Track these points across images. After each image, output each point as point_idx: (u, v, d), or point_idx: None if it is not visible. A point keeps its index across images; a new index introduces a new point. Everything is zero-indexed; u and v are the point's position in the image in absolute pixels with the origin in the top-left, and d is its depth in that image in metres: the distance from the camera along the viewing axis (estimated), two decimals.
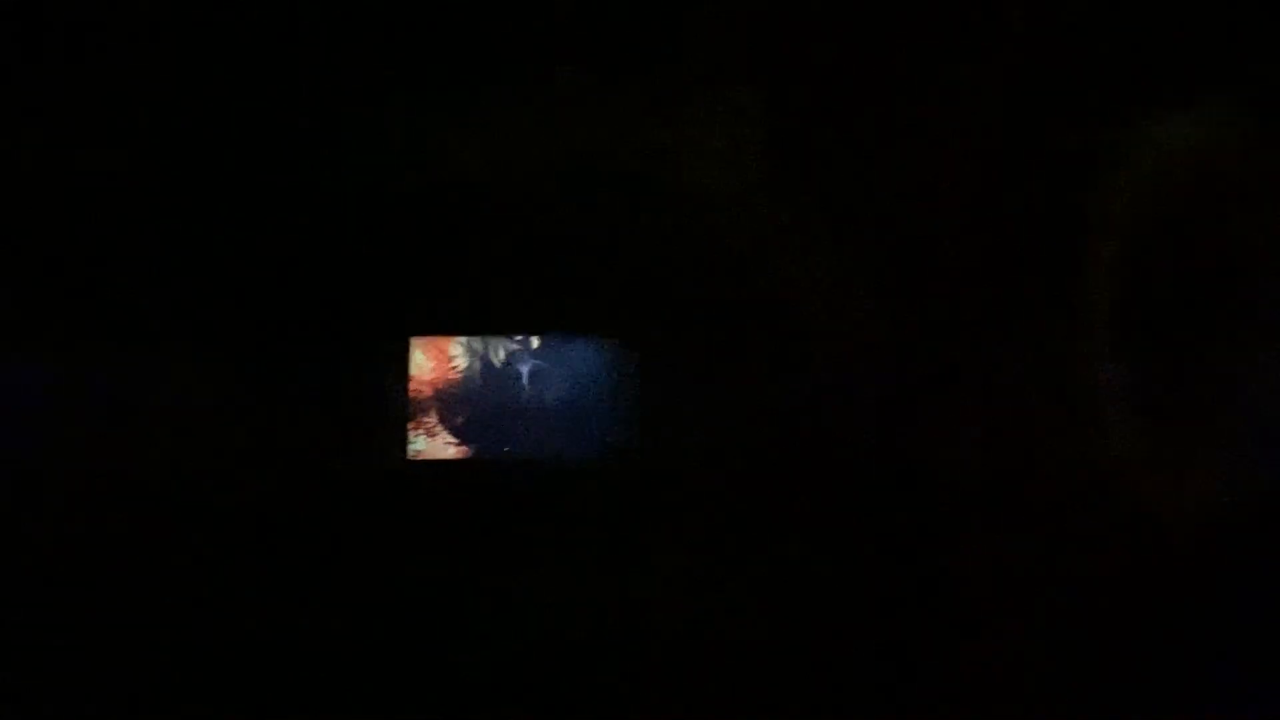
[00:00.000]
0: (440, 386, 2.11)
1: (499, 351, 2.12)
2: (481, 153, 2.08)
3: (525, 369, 2.11)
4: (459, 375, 2.11)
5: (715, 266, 2.07)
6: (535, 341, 2.11)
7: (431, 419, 2.10)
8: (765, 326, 2.06)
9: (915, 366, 2.00)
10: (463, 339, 2.12)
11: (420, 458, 2.09)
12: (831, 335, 2.01)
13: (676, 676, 2.00)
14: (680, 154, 2.07)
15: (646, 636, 2.01)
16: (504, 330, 2.12)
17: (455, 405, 2.11)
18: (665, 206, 2.06)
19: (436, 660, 2.00)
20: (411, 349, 2.10)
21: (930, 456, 2.01)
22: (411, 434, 2.09)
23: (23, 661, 1.95)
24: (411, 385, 2.10)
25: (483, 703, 1.99)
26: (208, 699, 1.96)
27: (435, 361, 2.11)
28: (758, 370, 2.07)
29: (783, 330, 2.06)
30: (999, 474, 1.94)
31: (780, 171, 2.06)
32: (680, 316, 2.10)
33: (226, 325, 2.07)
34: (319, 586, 2.02)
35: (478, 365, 2.11)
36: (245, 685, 1.97)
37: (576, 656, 2.01)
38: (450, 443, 2.10)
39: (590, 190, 2.09)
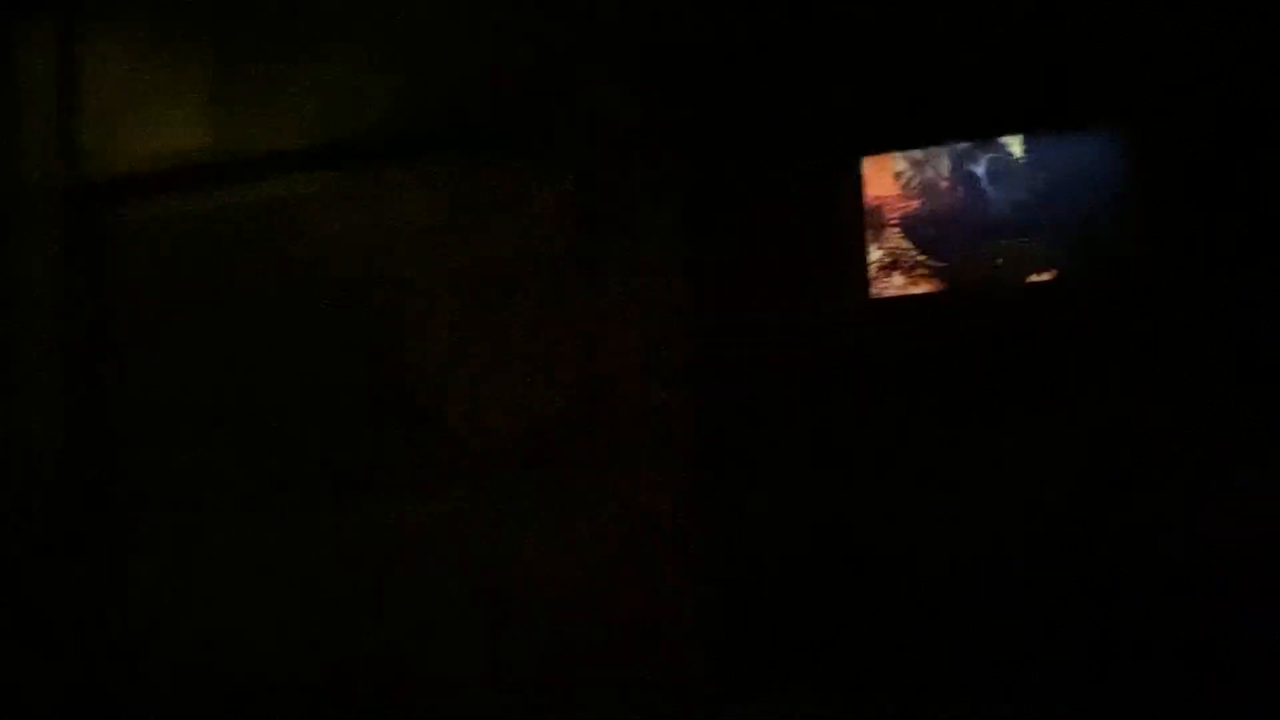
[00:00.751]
0: (900, 208, 1.87)
1: (958, 161, 1.85)
2: None
3: (990, 174, 1.83)
4: (918, 192, 1.87)
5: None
6: (1010, 143, 1.83)
7: (893, 244, 1.87)
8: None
9: None
10: (916, 152, 1.87)
11: (885, 294, 1.87)
12: None
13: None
14: None
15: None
16: (964, 136, 1.84)
17: (919, 227, 1.87)
18: None
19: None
20: (863, 170, 1.88)
21: None
22: (873, 265, 1.88)
23: None
24: (867, 210, 1.88)
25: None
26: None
27: (888, 180, 1.87)
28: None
29: None
30: None
31: None
32: (1176, 100, 1.76)
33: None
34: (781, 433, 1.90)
35: (936, 179, 1.86)
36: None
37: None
38: (919, 270, 1.87)
39: None
